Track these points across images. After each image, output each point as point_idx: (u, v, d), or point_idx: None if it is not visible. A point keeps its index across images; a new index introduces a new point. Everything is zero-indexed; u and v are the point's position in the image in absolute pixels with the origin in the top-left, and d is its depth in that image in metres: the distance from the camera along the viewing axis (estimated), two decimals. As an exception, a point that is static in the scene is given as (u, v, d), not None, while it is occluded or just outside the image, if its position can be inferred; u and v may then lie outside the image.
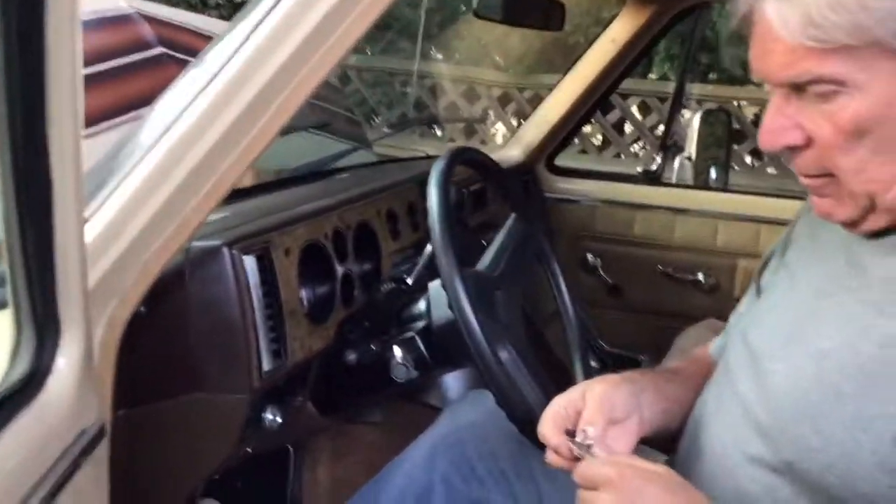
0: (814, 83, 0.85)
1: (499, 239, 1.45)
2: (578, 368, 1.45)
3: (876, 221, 0.90)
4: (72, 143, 0.78)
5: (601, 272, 2.77)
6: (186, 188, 1.01)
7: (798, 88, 0.87)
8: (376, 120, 4.76)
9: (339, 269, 1.41)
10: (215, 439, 1.17)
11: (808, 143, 0.88)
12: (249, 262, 1.17)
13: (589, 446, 0.98)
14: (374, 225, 1.55)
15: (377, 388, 1.38)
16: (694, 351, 1.29)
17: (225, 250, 1.14)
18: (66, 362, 0.89)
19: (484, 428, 1.34)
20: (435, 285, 1.31)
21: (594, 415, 1.01)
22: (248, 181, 2.07)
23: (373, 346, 1.33)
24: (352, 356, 1.34)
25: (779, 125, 0.89)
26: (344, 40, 0.97)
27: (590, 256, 2.83)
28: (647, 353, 2.41)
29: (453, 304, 1.15)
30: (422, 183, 1.66)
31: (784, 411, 0.92)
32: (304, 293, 1.37)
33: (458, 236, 1.56)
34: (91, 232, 1.01)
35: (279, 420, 1.24)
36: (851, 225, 0.92)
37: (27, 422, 0.82)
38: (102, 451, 0.94)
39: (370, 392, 1.42)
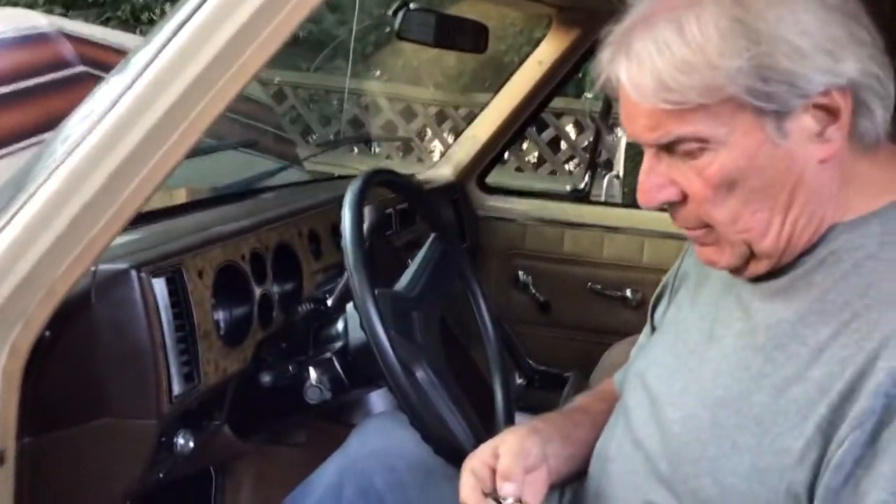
0: (678, 143, 0.88)
1: (417, 259, 1.46)
2: (498, 387, 1.46)
3: (757, 267, 0.92)
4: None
5: (532, 289, 2.80)
6: (91, 209, 1.00)
7: (667, 147, 0.90)
8: (313, 138, 4.75)
9: (257, 291, 1.40)
10: (125, 465, 1.15)
11: (684, 198, 0.92)
12: (159, 285, 1.16)
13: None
14: (295, 245, 1.54)
15: (292, 410, 1.37)
16: (601, 385, 1.31)
17: (133, 273, 1.12)
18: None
19: (391, 457, 1.34)
20: (352, 306, 1.30)
21: (511, 467, 0.99)
22: (181, 200, 2.05)
23: (290, 368, 1.32)
24: (266, 378, 1.33)
25: (653, 184, 0.92)
26: (249, 64, 0.96)
27: (521, 274, 2.85)
28: (574, 370, 2.44)
29: (365, 324, 1.15)
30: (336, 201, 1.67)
31: (684, 463, 0.93)
32: (219, 315, 1.36)
33: (377, 257, 1.57)
34: (-7, 252, 0.99)
35: (191, 445, 1.23)
36: (735, 271, 0.95)
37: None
38: (2, 478, 0.91)
39: (286, 414, 1.41)
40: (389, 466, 1.35)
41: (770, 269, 0.93)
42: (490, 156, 2.89)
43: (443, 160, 2.94)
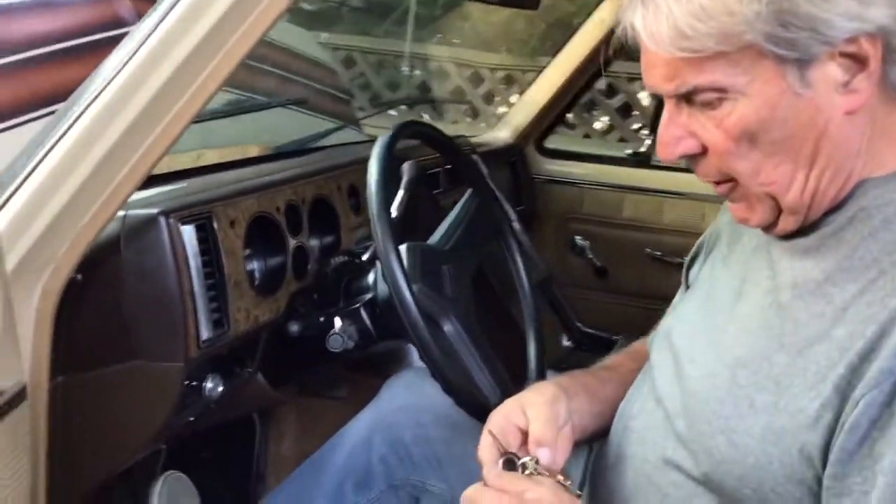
0: (696, 93, 0.85)
1: (453, 213, 1.45)
2: (532, 343, 1.45)
3: (786, 224, 0.89)
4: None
5: (589, 254, 2.76)
6: (115, 156, 1.02)
7: (685, 98, 0.86)
8: (380, 101, 4.77)
9: (292, 242, 1.41)
10: (154, 406, 1.18)
11: (704, 150, 0.88)
12: (188, 232, 1.17)
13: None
14: (334, 199, 1.55)
15: (321, 360, 1.38)
16: (634, 345, 1.29)
17: (161, 219, 1.15)
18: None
19: (419, 411, 1.36)
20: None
21: (544, 433, 0.98)
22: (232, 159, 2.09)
23: (319, 318, 1.33)
24: (295, 327, 1.35)
25: (672, 136, 0.89)
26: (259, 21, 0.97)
27: (578, 239, 2.82)
28: (624, 334, 2.41)
29: (387, 274, 1.15)
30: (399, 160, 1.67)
31: (700, 422, 0.91)
32: (253, 264, 1.37)
33: (422, 215, 1.57)
34: (18, 200, 1.03)
35: (220, 389, 1.25)
36: (767, 228, 0.92)
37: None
38: (21, 413, 0.95)
39: (315, 364, 1.43)
40: (417, 421, 1.37)
41: (799, 226, 0.89)
42: (549, 119, 2.86)
43: (501, 123, 2.91)
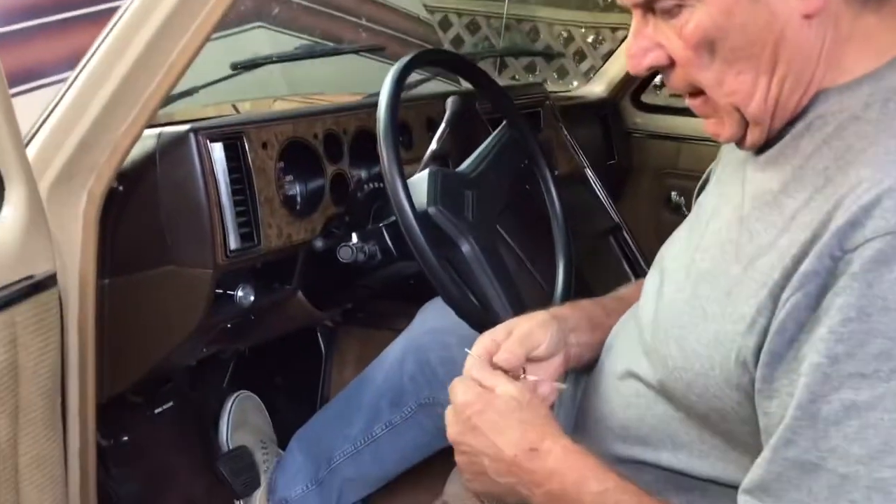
0: (656, 0, 0.84)
1: (485, 143, 1.49)
2: (560, 273, 1.48)
3: (753, 136, 0.87)
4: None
5: (685, 210, 2.70)
6: (140, 69, 1.13)
7: (649, 8, 0.86)
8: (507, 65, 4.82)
9: (330, 168, 1.50)
10: (187, 308, 1.30)
11: (672, 62, 0.87)
12: (217, 149, 1.28)
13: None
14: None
15: (351, 278, 1.46)
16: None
17: (191, 136, 1.25)
18: (11, 213, 1.04)
19: (446, 334, 1.43)
20: (409, 181, 1.37)
21: (513, 347, 1.01)
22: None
23: (341, 235, 1.42)
24: (319, 243, 1.43)
25: (639, 48, 0.87)
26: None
27: (674, 194, 2.78)
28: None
29: (390, 193, 1.21)
30: (443, 97, 1.73)
31: (660, 332, 0.93)
32: (290, 185, 1.47)
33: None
34: (58, 111, 1.16)
35: (252, 299, 1.35)
36: (739, 143, 0.90)
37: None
38: (50, 297, 1.08)
39: (348, 284, 1.51)
40: (443, 343, 1.44)
41: (765, 138, 0.87)
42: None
43: (596, 77, 2.90)
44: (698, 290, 0.89)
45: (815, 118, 0.84)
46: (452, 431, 0.98)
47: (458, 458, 0.98)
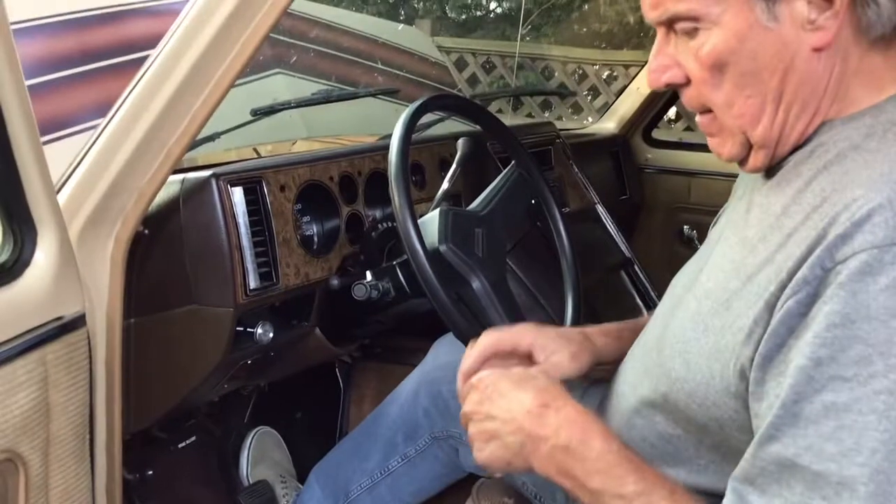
0: (676, 21, 0.90)
1: (494, 182, 1.55)
2: (569, 310, 1.52)
3: (756, 159, 0.92)
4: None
5: (697, 244, 2.73)
6: (164, 121, 1.19)
7: (671, 28, 0.92)
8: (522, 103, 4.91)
9: (345, 210, 1.55)
10: (209, 345, 1.35)
11: (688, 81, 0.93)
12: (237, 193, 1.34)
13: None
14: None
15: (366, 315, 1.51)
16: None
17: (213, 181, 1.32)
18: (44, 257, 1.09)
19: (456, 368, 1.45)
20: (420, 220, 1.42)
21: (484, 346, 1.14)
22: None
23: (356, 274, 1.47)
24: (335, 281, 1.48)
25: (660, 64, 0.94)
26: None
27: (686, 228, 2.81)
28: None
29: (402, 232, 1.26)
30: (455, 138, 1.79)
31: (666, 348, 0.98)
32: (307, 226, 1.53)
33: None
34: (87, 159, 1.22)
35: (271, 335, 1.40)
36: (741, 164, 0.95)
37: (3, 297, 1.03)
38: (79, 336, 1.13)
39: (363, 321, 1.56)
40: (454, 376, 1.47)
41: (769, 162, 0.93)
42: (655, 108, 2.88)
43: (607, 114, 2.96)
44: (702, 306, 0.94)
45: (818, 146, 0.89)
46: (468, 404, 1.05)
47: (470, 429, 1.05)
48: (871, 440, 0.73)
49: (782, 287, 0.81)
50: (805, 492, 0.76)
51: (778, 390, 0.79)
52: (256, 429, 1.86)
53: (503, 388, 1.01)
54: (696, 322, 0.93)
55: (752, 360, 0.83)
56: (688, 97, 0.94)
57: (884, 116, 0.86)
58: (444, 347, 1.58)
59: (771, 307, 0.82)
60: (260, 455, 1.85)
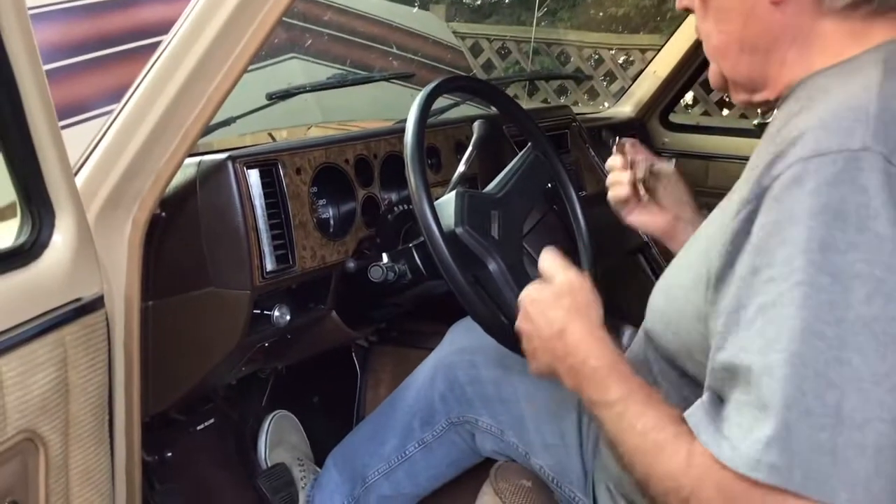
0: None
1: (510, 164, 1.54)
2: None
3: (736, 94, 1.02)
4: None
5: (714, 228, 2.71)
6: (179, 103, 1.19)
7: None
8: (538, 88, 4.89)
9: (361, 192, 1.55)
10: (227, 328, 1.35)
11: None
12: (253, 175, 1.34)
13: None
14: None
15: (382, 297, 1.51)
16: None
17: (229, 163, 1.32)
18: (62, 239, 1.10)
19: (474, 353, 1.48)
20: (436, 202, 1.41)
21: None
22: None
23: (372, 256, 1.47)
24: (351, 264, 1.48)
25: None
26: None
27: (704, 212, 2.79)
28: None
29: (418, 213, 1.25)
30: (471, 121, 1.78)
31: (657, 290, 1.08)
32: (322, 209, 1.53)
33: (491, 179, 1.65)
34: (104, 143, 1.22)
35: (287, 318, 1.40)
36: (726, 91, 1.04)
37: (22, 278, 1.04)
38: (97, 318, 1.14)
39: (380, 304, 1.56)
40: (471, 362, 1.48)
41: (750, 101, 1.01)
42: (672, 92, 2.85)
43: (624, 98, 2.94)
44: (690, 248, 1.04)
45: (794, 97, 0.94)
46: (519, 320, 1.17)
47: (524, 343, 1.17)
48: (787, 329, 0.77)
49: (736, 214, 0.87)
50: (743, 388, 0.81)
51: (724, 301, 0.85)
52: (274, 412, 1.87)
53: (537, 309, 1.13)
54: (680, 267, 1.04)
55: (711, 281, 0.90)
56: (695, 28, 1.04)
57: (852, 63, 0.92)
58: (460, 332, 1.58)
59: (725, 230, 0.88)
60: (277, 439, 1.86)
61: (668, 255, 2.44)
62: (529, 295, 1.15)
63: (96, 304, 1.15)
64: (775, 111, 0.98)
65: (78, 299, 1.12)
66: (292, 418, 1.92)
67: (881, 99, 0.83)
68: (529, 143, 1.57)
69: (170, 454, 1.57)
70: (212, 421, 1.68)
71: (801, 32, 0.93)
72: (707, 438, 0.83)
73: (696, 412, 0.87)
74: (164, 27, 1.23)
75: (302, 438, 1.93)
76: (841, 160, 0.79)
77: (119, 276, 1.25)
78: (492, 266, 1.37)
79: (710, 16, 0.98)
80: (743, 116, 3.39)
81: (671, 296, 1.02)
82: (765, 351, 0.79)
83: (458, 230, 1.36)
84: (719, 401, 0.86)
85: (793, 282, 0.78)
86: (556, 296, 1.12)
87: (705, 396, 0.88)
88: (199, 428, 1.66)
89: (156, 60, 1.20)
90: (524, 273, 1.42)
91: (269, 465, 1.75)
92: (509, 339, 1.30)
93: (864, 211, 0.77)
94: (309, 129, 2.16)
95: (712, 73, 1.04)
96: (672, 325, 1.01)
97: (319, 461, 1.78)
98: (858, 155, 0.79)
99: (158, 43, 1.22)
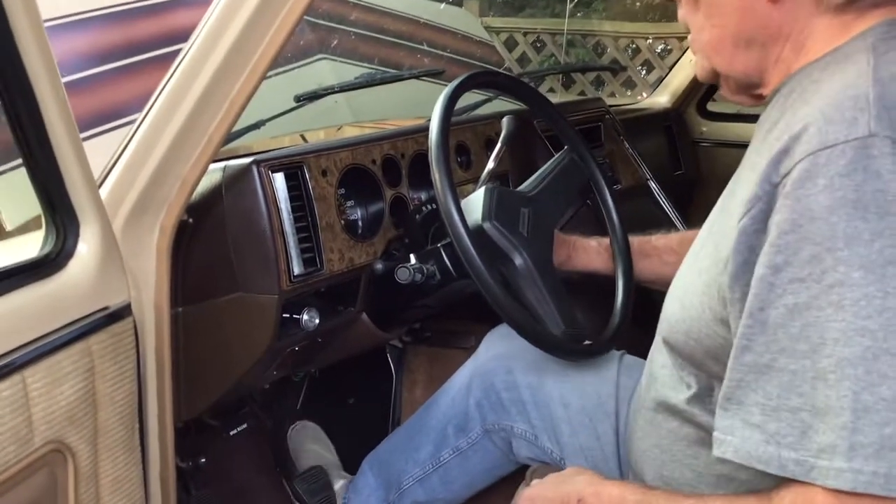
0: None
1: (545, 165, 1.51)
2: (620, 287, 1.48)
3: (727, 87, 1.02)
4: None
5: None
6: (202, 109, 1.18)
7: None
8: (574, 81, 4.83)
9: (389, 193, 1.53)
10: (256, 333, 1.35)
11: None
12: (279, 179, 1.33)
13: None
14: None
15: (412, 299, 1.49)
16: None
17: (254, 167, 1.31)
18: (87, 248, 1.10)
19: (509, 359, 1.47)
20: (466, 199, 1.39)
21: None
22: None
23: (400, 258, 1.45)
24: (379, 265, 1.46)
25: None
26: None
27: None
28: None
29: (443, 211, 1.23)
30: (501, 117, 1.75)
31: (670, 298, 1.07)
32: (350, 211, 1.51)
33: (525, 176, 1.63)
34: (128, 151, 1.22)
35: (316, 321, 1.39)
36: (716, 83, 1.04)
37: (48, 289, 1.04)
38: (125, 326, 1.14)
39: (409, 305, 1.54)
40: (507, 368, 1.47)
41: (741, 96, 1.01)
42: (709, 80, 2.78)
43: (660, 88, 2.89)
44: (697, 252, 1.02)
45: (787, 91, 0.94)
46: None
47: None
48: (832, 331, 0.77)
49: (746, 211, 0.85)
50: (782, 393, 0.80)
51: (745, 303, 0.84)
52: (293, 425, 1.86)
53: (545, 497, 1.12)
54: (693, 268, 1.01)
55: (726, 283, 0.88)
56: (679, 16, 1.03)
57: (840, 51, 0.90)
58: (495, 339, 1.57)
59: (737, 231, 0.87)
60: (295, 452, 1.84)
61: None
62: (524, 497, 1.16)
63: (124, 312, 1.15)
64: (767, 107, 0.97)
65: (105, 308, 1.12)
66: (312, 427, 1.90)
67: (878, 84, 0.82)
68: (566, 147, 1.54)
69: (204, 460, 1.57)
70: (245, 426, 1.68)
71: (796, 28, 0.93)
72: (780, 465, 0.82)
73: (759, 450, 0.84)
74: (189, 33, 1.23)
75: (325, 445, 1.90)
76: (850, 149, 0.78)
77: (148, 283, 1.25)
78: (518, 261, 1.35)
79: (701, 10, 0.97)
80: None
81: (686, 303, 1.00)
82: (814, 356, 0.78)
83: (486, 225, 1.34)
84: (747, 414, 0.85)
85: (826, 284, 0.77)
86: (556, 484, 1.13)
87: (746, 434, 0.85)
88: (232, 433, 1.66)
89: (177, 66, 1.19)
90: (553, 271, 1.39)
91: (304, 468, 1.74)
92: (535, 334, 1.27)
93: (882, 196, 0.76)
94: (340, 129, 2.15)
95: (699, 67, 1.03)
96: (693, 332, 0.98)
97: (356, 463, 1.77)
98: (866, 142, 0.78)
99: (179, 51, 1.22)
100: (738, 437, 0.84)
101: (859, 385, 0.75)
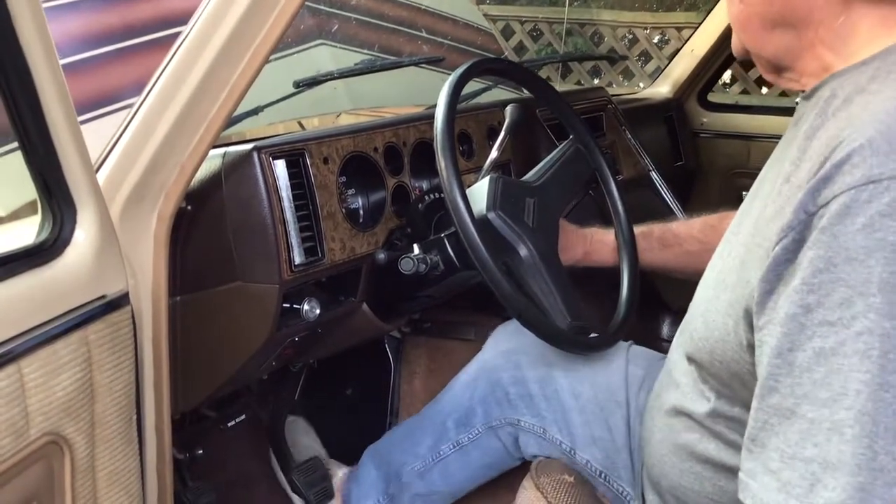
0: None
1: (550, 155, 1.49)
2: (625, 284, 1.46)
3: (759, 64, 0.97)
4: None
5: (755, 210, 2.63)
6: (202, 95, 1.15)
7: None
8: (571, 70, 4.80)
9: (391, 181, 1.51)
10: (256, 323, 1.32)
11: None
12: (280, 166, 1.30)
13: None
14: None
15: (413, 289, 1.47)
16: None
17: (254, 154, 1.28)
18: (84, 235, 1.07)
19: (517, 355, 1.46)
20: (469, 189, 1.37)
21: None
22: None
23: (403, 247, 1.42)
24: (381, 255, 1.44)
25: None
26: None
27: (744, 194, 2.71)
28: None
29: (448, 198, 1.20)
30: (503, 105, 1.73)
31: (693, 312, 1.03)
32: (352, 199, 1.49)
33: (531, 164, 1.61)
34: (126, 136, 1.19)
35: (317, 312, 1.37)
36: (748, 60, 1.00)
37: (44, 277, 1.01)
38: (122, 315, 1.11)
39: (411, 295, 1.51)
40: (515, 364, 1.45)
41: (776, 78, 0.95)
42: (710, 70, 2.77)
43: (660, 78, 2.86)
44: (724, 264, 0.96)
45: (828, 95, 0.88)
46: None
47: None
48: (855, 382, 0.72)
49: (778, 233, 0.81)
50: (800, 441, 0.76)
51: (771, 338, 0.79)
52: (288, 419, 1.84)
53: None
54: (717, 282, 0.96)
55: (753, 308, 0.84)
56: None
57: (891, 58, 0.84)
58: (503, 335, 1.55)
59: (768, 255, 0.82)
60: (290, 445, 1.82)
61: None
62: None
63: (121, 301, 1.12)
64: (804, 100, 0.92)
65: (102, 297, 1.09)
66: (300, 422, 1.88)
67: None
68: (571, 136, 1.52)
69: (201, 451, 1.55)
70: (243, 417, 1.65)
71: (830, 15, 0.87)
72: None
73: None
74: (186, 16, 1.20)
75: (313, 439, 1.87)
76: (895, 187, 0.72)
77: (145, 272, 1.22)
78: (523, 252, 1.33)
79: None
80: (783, 94, 3.29)
81: (710, 322, 0.95)
82: (833, 406, 0.73)
83: (490, 215, 1.32)
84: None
85: (854, 331, 0.72)
86: None
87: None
88: (230, 424, 1.63)
89: (177, 50, 1.16)
90: (558, 262, 1.37)
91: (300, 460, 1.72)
92: (540, 325, 1.25)
93: None
94: (338, 116, 2.12)
95: (733, 42, 0.99)
96: (717, 353, 0.94)
97: (353, 453, 1.75)
98: None
99: (178, 33, 1.19)
100: (758, 483, 0.79)
101: (878, 444, 0.71)
